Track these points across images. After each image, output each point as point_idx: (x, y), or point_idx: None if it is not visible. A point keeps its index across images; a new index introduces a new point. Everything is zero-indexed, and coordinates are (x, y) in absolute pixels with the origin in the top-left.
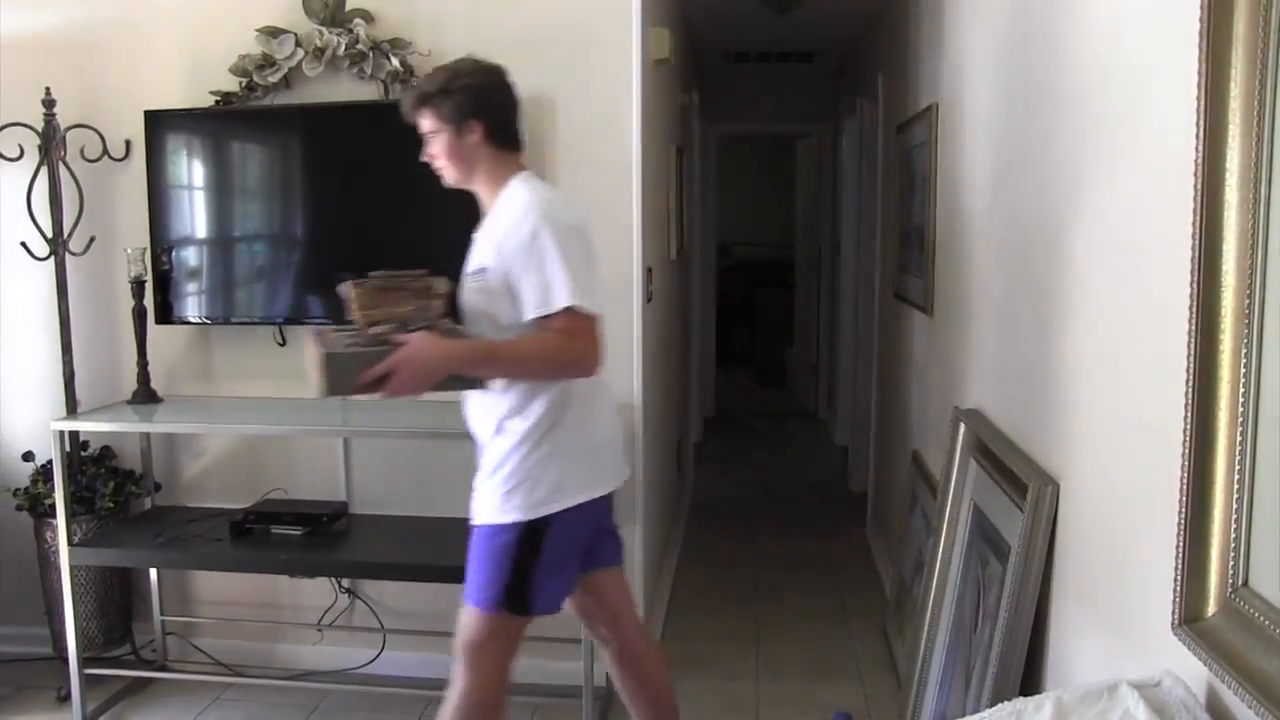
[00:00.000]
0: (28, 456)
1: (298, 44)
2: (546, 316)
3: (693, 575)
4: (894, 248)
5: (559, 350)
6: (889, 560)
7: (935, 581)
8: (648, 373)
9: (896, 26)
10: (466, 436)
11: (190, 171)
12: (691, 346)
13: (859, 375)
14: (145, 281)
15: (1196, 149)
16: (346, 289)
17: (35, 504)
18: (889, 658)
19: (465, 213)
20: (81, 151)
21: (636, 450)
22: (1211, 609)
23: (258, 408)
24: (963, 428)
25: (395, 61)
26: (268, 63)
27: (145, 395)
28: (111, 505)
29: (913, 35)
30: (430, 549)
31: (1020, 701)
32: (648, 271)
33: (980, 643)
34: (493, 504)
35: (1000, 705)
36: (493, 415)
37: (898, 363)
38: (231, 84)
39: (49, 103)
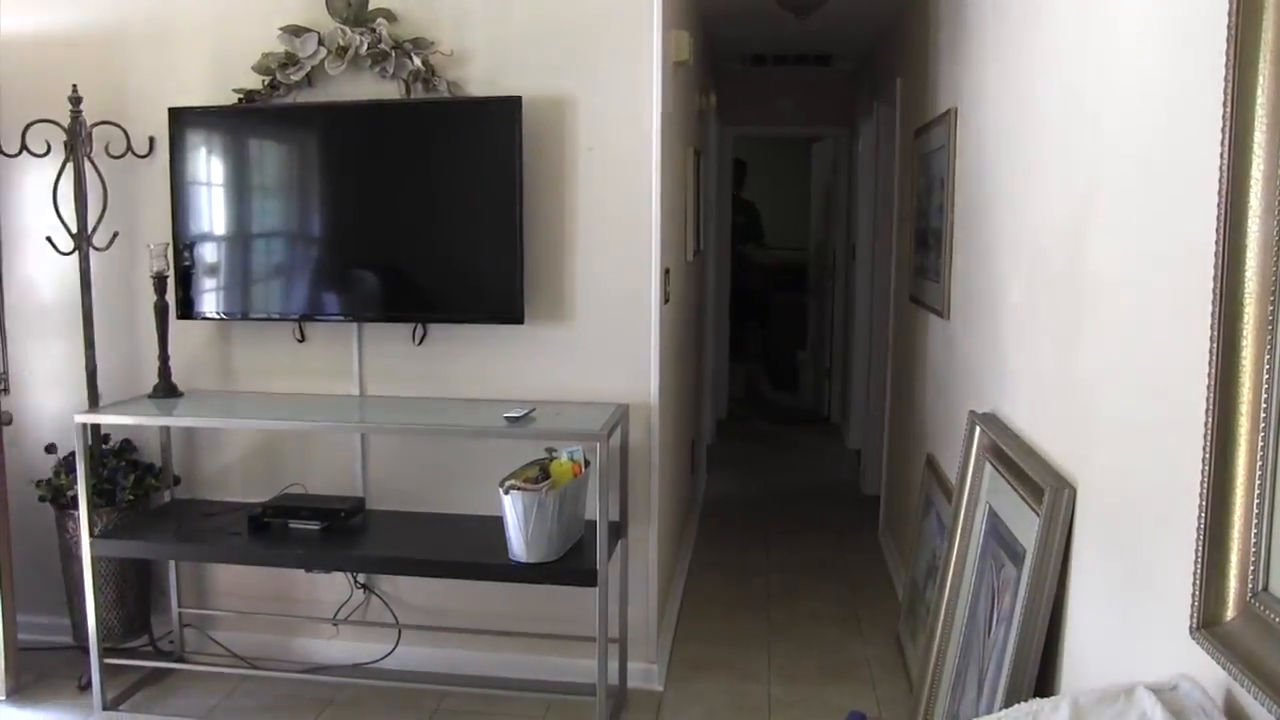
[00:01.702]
0: (50, 449)
1: (320, 43)
2: None
3: (705, 577)
4: (910, 251)
5: None
6: (901, 564)
7: (949, 585)
8: (664, 373)
9: (915, 30)
10: (482, 433)
11: (212, 168)
12: (705, 348)
13: (872, 378)
14: (167, 277)
15: (1222, 155)
16: None
17: (57, 495)
18: (901, 661)
19: (480, 211)
20: (106, 148)
21: (652, 451)
22: (1230, 613)
23: (276, 403)
24: (978, 431)
25: (417, 61)
26: (290, 61)
27: (166, 389)
28: (132, 498)
29: (932, 39)
30: (446, 545)
31: (1037, 703)
32: (665, 273)
33: (994, 646)
34: None
35: (1017, 706)
36: None
37: (912, 366)
38: (254, 82)
39: (75, 100)
